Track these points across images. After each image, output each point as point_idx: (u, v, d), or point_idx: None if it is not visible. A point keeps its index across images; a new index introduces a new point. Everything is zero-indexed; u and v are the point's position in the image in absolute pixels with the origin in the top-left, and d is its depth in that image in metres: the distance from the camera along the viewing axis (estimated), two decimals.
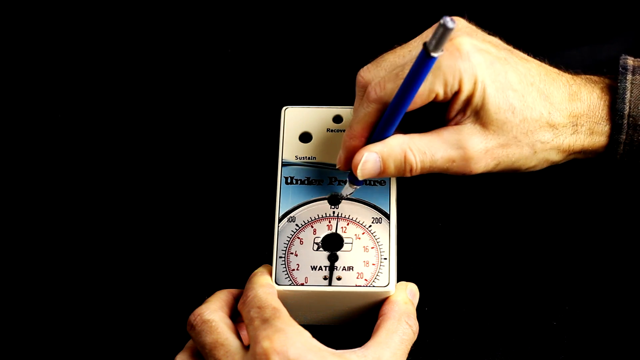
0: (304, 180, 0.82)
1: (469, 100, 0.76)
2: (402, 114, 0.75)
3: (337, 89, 0.93)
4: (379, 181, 0.82)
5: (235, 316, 0.78)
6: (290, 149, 0.83)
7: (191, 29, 0.98)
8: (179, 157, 0.93)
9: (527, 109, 0.76)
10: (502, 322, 0.85)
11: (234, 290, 0.80)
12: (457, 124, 0.77)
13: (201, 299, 0.79)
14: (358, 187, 0.81)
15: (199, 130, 0.94)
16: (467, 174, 0.78)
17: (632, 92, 0.79)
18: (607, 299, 0.85)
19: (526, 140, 0.77)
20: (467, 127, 0.77)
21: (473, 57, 0.75)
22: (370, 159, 0.77)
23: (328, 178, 0.82)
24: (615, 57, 0.81)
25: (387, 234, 0.80)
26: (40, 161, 0.93)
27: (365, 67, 0.78)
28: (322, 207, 0.81)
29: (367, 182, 0.82)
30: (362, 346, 0.76)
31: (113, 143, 0.94)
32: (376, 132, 0.77)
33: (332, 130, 0.84)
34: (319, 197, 0.82)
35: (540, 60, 0.80)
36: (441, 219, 0.88)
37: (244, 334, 0.77)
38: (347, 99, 0.84)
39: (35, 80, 0.97)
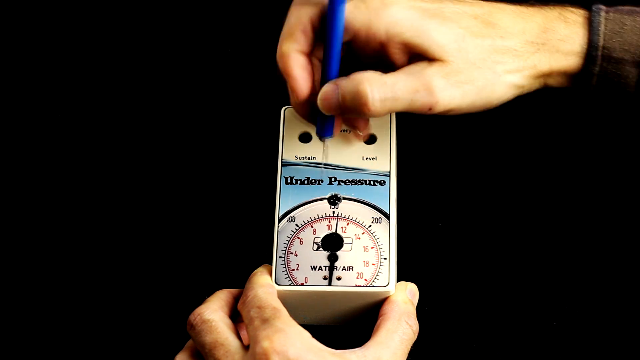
0: (304, 180, 0.82)
1: (409, 44, 0.75)
2: (337, 45, 0.74)
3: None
4: (378, 181, 0.82)
5: (235, 316, 0.78)
6: (290, 149, 0.83)
7: (191, 29, 0.98)
8: (178, 158, 0.93)
9: (477, 37, 0.76)
10: (502, 322, 0.85)
11: (233, 290, 0.80)
12: (413, 62, 0.76)
13: (201, 299, 0.79)
14: (329, 138, 0.80)
15: (198, 130, 0.94)
16: (433, 106, 0.76)
17: (606, 26, 0.78)
18: (607, 299, 0.85)
19: (487, 64, 0.77)
20: (425, 64, 0.76)
21: (402, 4, 0.75)
22: (327, 89, 0.76)
23: (328, 178, 0.82)
24: None
25: (387, 234, 0.80)
26: (40, 161, 0.93)
27: None
28: (322, 207, 0.81)
29: (367, 182, 0.82)
30: (362, 346, 0.76)
31: (113, 143, 0.94)
32: (323, 73, 0.76)
33: None
34: (319, 197, 0.82)
35: None
36: (441, 219, 0.88)
37: (243, 334, 0.77)
38: None
39: (35, 80, 0.97)
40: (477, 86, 0.77)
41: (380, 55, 0.77)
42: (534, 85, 0.80)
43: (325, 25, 0.74)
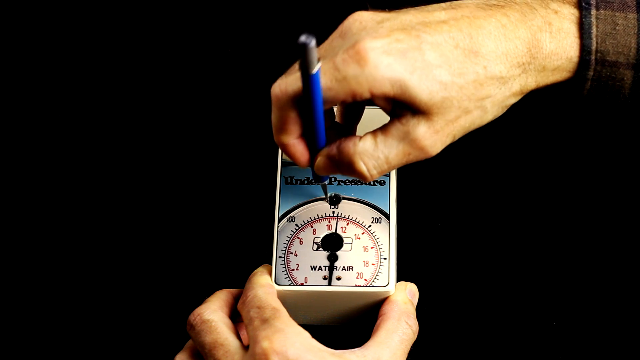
0: (304, 180, 0.82)
1: (394, 100, 0.73)
2: (320, 121, 0.73)
3: None
4: (378, 181, 0.82)
5: (235, 316, 0.78)
6: None
7: (191, 29, 0.98)
8: (178, 158, 0.93)
9: (459, 76, 0.73)
10: (502, 322, 0.85)
11: (233, 290, 0.80)
12: (399, 117, 0.74)
13: (201, 299, 0.79)
14: (325, 182, 0.80)
15: (198, 130, 0.94)
16: (427, 158, 0.75)
17: (597, 27, 0.75)
18: (607, 299, 0.85)
19: (473, 105, 0.74)
20: (409, 118, 0.73)
21: (379, 60, 0.71)
22: (321, 163, 0.76)
23: (328, 178, 0.82)
24: None
25: (386, 234, 0.80)
26: (40, 161, 0.93)
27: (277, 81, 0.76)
28: (322, 207, 0.81)
29: (367, 182, 0.82)
30: (362, 346, 0.76)
31: (113, 143, 0.94)
32: (310, 138, 0.76)
33: None
34: (319, 197, 0.82)
35: None
36: (441, 219, 0.88)
37: (243, 334, 0.77)
38: None
39: (35, 80, 0.97)
40: (465, 127, 0.75)
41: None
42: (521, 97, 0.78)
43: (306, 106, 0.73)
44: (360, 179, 0.75)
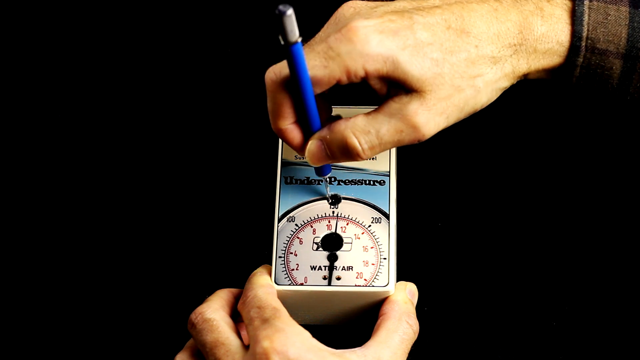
0: (304, 180, 0.82)
1: (387, 77, 0.74)
2: (310, 99, 0.74)
3: (336, 88, 0.93)
4: (378, 181, 0.82)
5: (236, 315, 0.78)
6: (290, 149, 0.83)
7: (191, 29, 0.98)
8: (178, 157, 0.93)
9: (450, 54, 0.74)
10: (502, 322, 0.85)
11: (234, 290, 0.80)
12: (392, 96, 0.75)
13: (201, 299, 0.79)
14: (327, 176, 0.81)
15: (198, 130, 0.94)
16: (420, 139, 0.76)
17: (589, 16, 0.77)
18: (607, 299, 0.85)
19: (466, 83, 0.75)
20: (402, 97, 0.75)
21: (371, 37, 0.73)
22: (312, 147, 0.77)
23: (328, 178, 0.82)
24: None
25: (386, 234, 0.80)
26: (40, 161, 0.93)
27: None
28: (322, 207, 0.81)
29: (367, 182, 0.82)
30: (362, 346, 0.76)
31: (112, 143, 0.94)
32: (304, 121, 0.76)
33: None
34: (319, 197, 0.82)
35: None
36: (441, 219, 0.88)
37: (244, 333, 0.78)
38: (346, 99, 0.84)
39: (35, 80, 0.97)
40: (459, 106, 0.76)
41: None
42: (515, 82, 0.79)
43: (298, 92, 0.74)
44: (353, 157, 0.76)
